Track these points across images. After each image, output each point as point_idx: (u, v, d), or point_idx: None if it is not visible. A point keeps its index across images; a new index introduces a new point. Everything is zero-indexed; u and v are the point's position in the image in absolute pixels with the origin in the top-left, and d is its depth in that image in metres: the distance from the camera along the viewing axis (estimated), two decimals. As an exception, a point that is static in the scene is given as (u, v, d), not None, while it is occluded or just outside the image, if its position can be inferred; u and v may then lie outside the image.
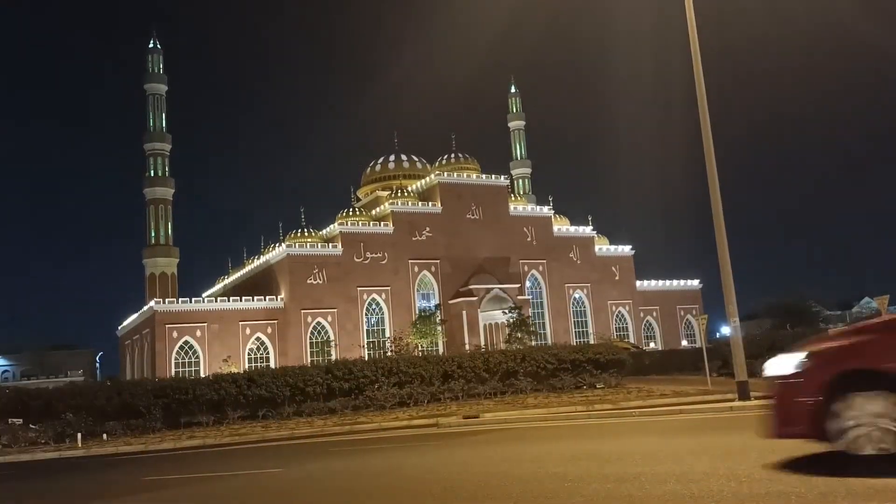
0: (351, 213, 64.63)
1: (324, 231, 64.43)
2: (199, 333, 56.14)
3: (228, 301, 58.91)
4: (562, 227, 70.55)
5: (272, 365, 53.87)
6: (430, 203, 65.09)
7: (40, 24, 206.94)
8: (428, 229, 63.39)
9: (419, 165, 74.54)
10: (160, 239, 74.43)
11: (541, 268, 67.63)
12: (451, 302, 61.66)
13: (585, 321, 69.27)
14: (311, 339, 58.10)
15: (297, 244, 60.40)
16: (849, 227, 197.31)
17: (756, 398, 19.62)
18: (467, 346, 52.72)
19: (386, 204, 64.38)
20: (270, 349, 57.83)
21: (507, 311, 56.17)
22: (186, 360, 55.59)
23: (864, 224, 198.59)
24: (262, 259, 64.59)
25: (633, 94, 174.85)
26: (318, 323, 58.57)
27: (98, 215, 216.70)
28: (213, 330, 56.38)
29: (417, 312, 60.30)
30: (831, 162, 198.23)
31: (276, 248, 62.17)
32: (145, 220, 75.43)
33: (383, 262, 61.41)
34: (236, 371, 35.41)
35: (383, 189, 69.97)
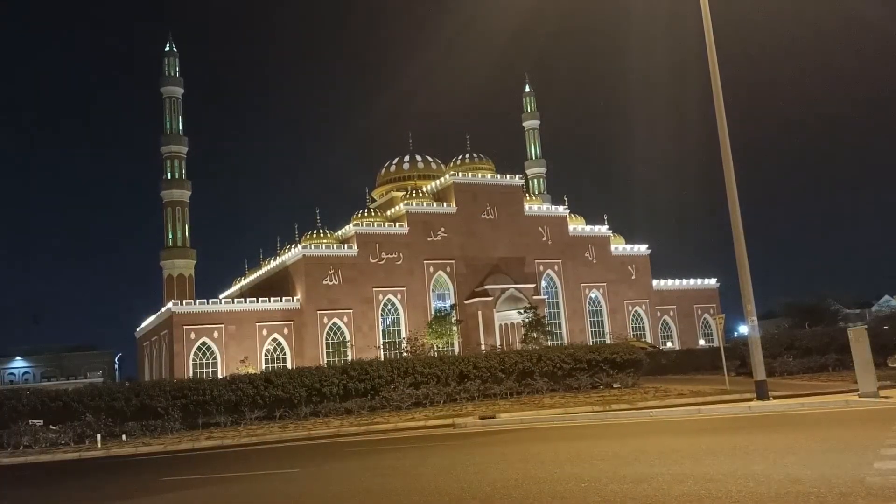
0: (366, 214, 64.66)
1: (339, 232, 64.51)
2: (216, 334, 56.45)
3: (245, 302, 59.17)
4: (577, 226, 70.19)
5: (289, 366, 54.00)
6: (444, 203, 65.03)
7: (50, 26, 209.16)
8: (443, 229, 63.34)
9: (434, 166, 74.45)
10: (177, 241, 74.89)
11: (556, 267, 67.39)
12: (466, 302, 61.57)
13: (601, 321, 68.92)
14: (327, 339, 58.19)
15: (312, 245, 60.50)
16: (868, 226, 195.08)
17: (775, 398, 19.47)
18: (483, 347, 52.54)
19: (401, 204, 64.37)
20: (287, 350, 58.03)
21: (522, 311, 55.98)
22: (204, 362, 55.89)
23: (884, 222, 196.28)
24: (278, 260, 64.76)
25: (649, 92, 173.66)
26: (334, 324, 58.69)
27: (116, 218, 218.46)
28: (230, 331, 56.65)
29: (433, 313, 60.23)
30: (848, 159, 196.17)
31: (292, 249, 62.25)
32: (163, 222, 76.01)
33: (398, 263, 61.43)
34: (253, 372, 35.60)
35: (398, 189, 69.92)
